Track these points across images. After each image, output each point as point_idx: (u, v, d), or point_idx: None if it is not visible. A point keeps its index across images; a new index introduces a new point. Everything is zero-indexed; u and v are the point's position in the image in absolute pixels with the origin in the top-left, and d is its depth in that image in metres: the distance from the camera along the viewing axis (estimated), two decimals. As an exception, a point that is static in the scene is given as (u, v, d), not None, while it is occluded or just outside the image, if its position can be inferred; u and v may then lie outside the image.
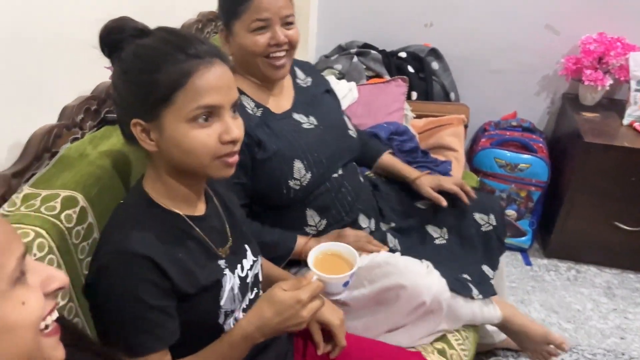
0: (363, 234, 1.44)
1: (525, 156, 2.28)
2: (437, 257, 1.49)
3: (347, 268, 0.99)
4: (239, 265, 1.02)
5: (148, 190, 0.93)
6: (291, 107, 1.42)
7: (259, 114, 1.35)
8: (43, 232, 0.87)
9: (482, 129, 2.55)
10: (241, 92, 1.34)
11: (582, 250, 2.32)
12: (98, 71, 1.21)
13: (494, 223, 1.58)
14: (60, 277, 0.62)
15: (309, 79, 1.52)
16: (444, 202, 1.51)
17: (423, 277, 1.33)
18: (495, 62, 2.48)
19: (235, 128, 0.88)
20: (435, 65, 2.36)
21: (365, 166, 1.67)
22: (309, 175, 1.35)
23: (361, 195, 1.50)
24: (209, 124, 0.86)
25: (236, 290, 0.99)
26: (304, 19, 2.33)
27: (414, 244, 1.57)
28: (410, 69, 2.29)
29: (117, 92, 0.89)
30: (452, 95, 2.39)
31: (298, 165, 1.34)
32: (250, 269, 1.05)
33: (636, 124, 2.17)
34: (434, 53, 2.37)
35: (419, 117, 2.11)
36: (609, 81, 2.22)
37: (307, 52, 2.44)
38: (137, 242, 0.85)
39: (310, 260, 0.99)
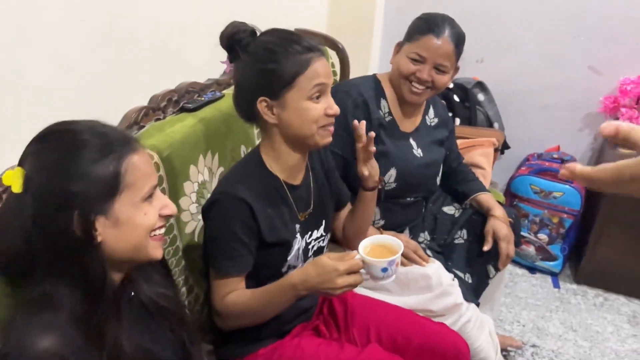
0: (413, 243, 1.67)
1: (560, 185, 2.44)
2: (453, 254, 1.76)
3: (390, 257, 1.10)
4: (309, 232, 1.31)
5: (263, 155, 1.25)
6: (411, 132, 1.72)
7: (387, 119, 1.67)
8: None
9: (525, 159, 2.73)
10: (383, 95, 1.67)
11: (612, 279, 2.42)
12: (181, 73, 1.60)
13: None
14: (172, 207, 0.94)
15: (436, 120, 1.80)
16: (486, 248, 1.67)
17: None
18: (541, 98, 2.67)
19: (335, 105, 1.20)
20: (480, 96, 2.59)
21: (459, 197, 1.87)
22: (394, 185, 1.66)
23: (415, 221, 1.77)
24: (319, 101, 1.18)
25: (300, 252, 1.29)
26: (367, 44, 2.65)
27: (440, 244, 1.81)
28: (456, 98, 2.54)
29: (244, 78, 1.19)
30: (496, 125, 2.60)
31: (392, 172, 1.65)
32: (317, 240, 1.34)
33: (668, 162, 2.28)
34: (480, 85, 2.61)
35: (457, 138, 2.35)
36: (644, 120, 2.35)
37: (369, 72, 2.76)
38: (242, 190, 1.18)
39: (362, 244, 1.13)
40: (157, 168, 1.30)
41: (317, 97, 1.17)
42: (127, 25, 1.39)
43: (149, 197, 0.89)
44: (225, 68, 1.31)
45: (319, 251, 1.36)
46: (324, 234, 1.36)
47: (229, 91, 1.72)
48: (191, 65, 1.69)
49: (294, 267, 1.28)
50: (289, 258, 1.26)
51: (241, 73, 1.21)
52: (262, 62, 1.15)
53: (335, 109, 1.20)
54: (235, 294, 1.19)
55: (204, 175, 1.48)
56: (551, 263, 2.51)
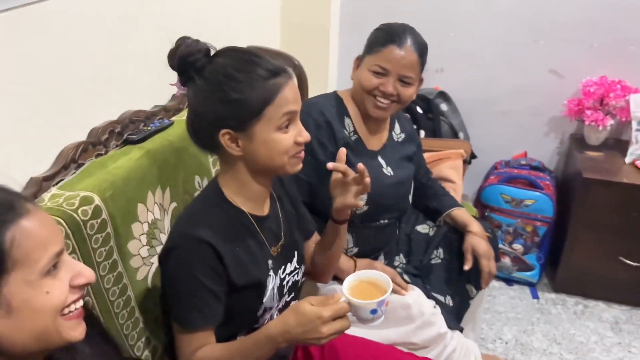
0: (390, 271, 1.57)
1: (531, 192, 2.38)
2: (430, 275, 1.66)
3: (380, 296, 1.00)
4: (282, 267, 1.18)
5: (223, 188, 1.12)
6: (379, 150, 1.61)
7: (353, 137, 1.55)
8: (62, 221, 1.07)
9: (493, 167, 2.66)
10: (347, 114, 1.55)
11: (589, 286, 2.37)
12: (124, 101, 1.46)
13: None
14: (87, 275, 0.75)
15: (403, 135, 1.69)
16: (467, 267, 1.58)
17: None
18: (504, 105, 2.62)
19: (305, 131, 1.10)
20: (444, 106, 2.52)
21: (431, 214, 1.77)
22: (365, 208, 1.53)
23: (389, 245, 1.67)
24: (288, 130, 1.07)
25: (275, 291, 1.16)
26: (324, 60, 2.56)
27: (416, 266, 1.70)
28: (419, 109, 2.46)
29: (201, 106, 1.06)
30: (461, 135, 2.53)
31: (363, 195, 1.47)
32: (291, 274, 1.21)
33: (638, 162, 2.25)
34: (443, 95, 2.53)
35: (423, 151, 2.26)
36: (609, 122, 2.31)
37: (327, 90, 2.66)
38: (204, 230, 1.04)
39: (346, 283, 1.04)
40: (99, 211, 1.16)
41: (287, 126, 1.06)
42: (56, 53, 1.24)
43: (53, 268, 0.71)
44: (176, 92, 1.17)
45: (294, 286, 1.23)
46: (297, 266, 1.23)
47: (178, 118, 1.59)
48: (133, 92, 1.54)
49: (270, 308, 1.15)
50: (264, 300, 1.13)
51: (198, 101, 1.07)
52: (223, 90, 1.02)
53: (306, 136, 1.09)
54: (206, 349, 1.06)
55: (154, 213, 1.34)
56: (528, 273, 2.44)
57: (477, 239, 1.60)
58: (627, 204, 2.16)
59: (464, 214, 1.69)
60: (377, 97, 1.49)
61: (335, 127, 1.50)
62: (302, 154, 1.11)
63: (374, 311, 1.00)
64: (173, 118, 1.58)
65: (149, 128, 1.46)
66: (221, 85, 1.02)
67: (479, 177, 2.69)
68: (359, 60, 1.54)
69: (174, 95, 1.71)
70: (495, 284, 2.46)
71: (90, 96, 1.38)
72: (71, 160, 1.26)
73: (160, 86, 1.67)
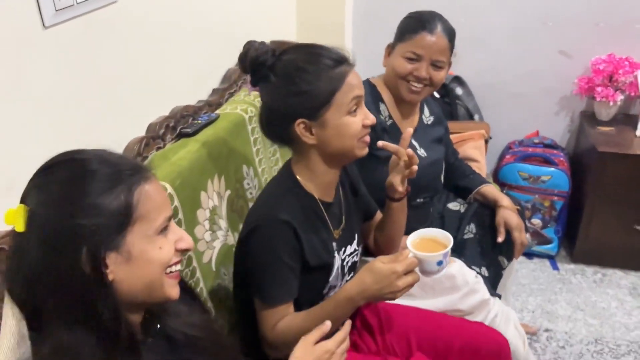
0: None
1: (547, 169, 2.48)
2: (465, 250, 1.74)
3: (442, 249, 1.09)
4: (343, 248, 1.27)
5: (296, 174, 1.20)
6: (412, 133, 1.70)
7: (388, 122, 1.64)
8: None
9: (507, 147, 2.76)
10: (381, 99, 1.65)
11: (606, 255, 2.47)
12: (174, 98, 1.55)
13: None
14: (188, 240, 0.86)
15: (432, 118, 1.79)
16: (500, 239, 1.65)
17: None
18: (516, 87, 2.71)
19: (370, 114, 1.18)
20: (459, 90, 2.61)
21: (462, 192, 1.85)
22: None
23: (425, 223, 1.74)
24: (356, 113, 1.15)
25: (339, 271, 1.25)
26: (340, 44, 2.63)
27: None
28: (436, 94, 2.55)
29: (275, 101, 1.15)
30: (477, 117, 2.63)
31: None
32: (351, 255, 1.30)
33: (648, 134, 2.35)
34: (457, 80, 2.63)
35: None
36: (619, 97, 2.41)
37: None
38: (284, 211, 1.13)
39: (409, 240, 1.13)
40: (171, 199, 1.25)
41: (355, 110, 1.14)
42: (112, 61, 1.34)
43: (164, 229, 0.81)
44: (249, 91, 1.26)
45: (353, 266, 1.32)
46: (357, 248, 1.33)
47: (222, 111, 1.68)
48: (178, 89, 1.63)
49: (334, 287, 1.25)
50: (330, 279, 1.23)
51: (271, 96, 1.16)
52: (295, 83, 1.11)
53: (372, 119, 1.17)
54: (287, 320, 1.15)
55: (213, 200, 1.43)
56: (547, 246, 2.55)
57: (508, 213, 1.69)
58: (640, 175, 2.26)
59: (494, 190, 1.78)
60: (410, 82, 1.58)
61: (372, 113, 1.59)
62: (368, 138, 1.19)
63: (439, 262, 1.09)
64: (218, 111, 1.67)
65: (199, 121, 1.55)
66: (292, 79, 1.11)
67: (494, 157, 2.79)
68: (390, 48, 1.63)
69: (213, 89, 1.80)
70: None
71: (144, 94, 1.47)
72: (137, 154, 1.35)
73: (200, 82, 1.77)
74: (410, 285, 1.06)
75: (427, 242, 1.15)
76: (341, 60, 1.13)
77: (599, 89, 2.42)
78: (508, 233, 1.69)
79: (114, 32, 1.34)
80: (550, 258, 2.56)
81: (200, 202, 1.37)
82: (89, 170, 0.76)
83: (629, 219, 2.35)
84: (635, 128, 2.41)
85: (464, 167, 1.90)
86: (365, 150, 1.20)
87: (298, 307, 1.19)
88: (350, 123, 1.14)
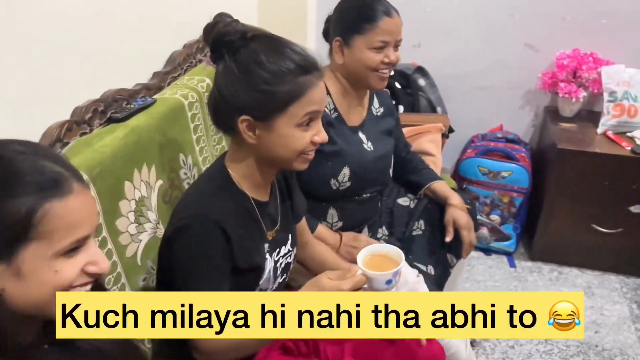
0: (374, 242, 1.61)
1: (507, 164, 2.44)
2: (412, 246, 1.69)
3: (393, 267, 1.05)
4: (277, 250, 1.20)
5: (230, 171, 1.12)
6: (359, 126, 1.63)
7: (333, 115, 1.57)
8: (52, 199, 1.08)
9: (470, 141, 2.72)
10: (327, 91, 1.55)
11: (564, 253, 2.45)
12: (106, 79, 1.46)
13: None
14: (101, 266, 0.77)
15: (381, 109, 1.72)
16: (448, 238, 1.62)
17: None
18: (481, 79, 2.66)
19: (324, 131, 1.10)
20: (421, 81, 2.55)
21: (412, 187, 1.80)
22: (348, 184, 1.57)
23: (372, 218, 1.71)
24: (308, 128, 1.06)
25: (271, 273, 1.17)
26: (302, 35, 2.56)
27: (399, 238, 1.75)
28: (398, 85, 2.49)
29: (228, 88, 1.04)
30: (439, 110, 2.57)
31: (345, 171, 1.55)
32: (284, 256, 1.23)
33: (609, 132, 2.32)
34: (421, 70, 2.56)
35: (402, 126, 2.29)
36: (582, 93, 2.38)
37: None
38: (215, 210, 1.05)
39: (359, 257, 1.08)
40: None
41: (307, 124, 1.06)
42: (43, 34, 1.24)
43: (72, 250, 0.73)
44: (205, 65, 1.16)
45: (287, 267, 1.26)
46: (290, 249, 1.26)
47: (160, 96, 1.59)
48: (115, 70, 1.54)
49: (265, 289, 1.18)
50: (261, 282, 1.16)
51: (225, 81, 1.06)
52: (252, 78, 1.02)
53: (323, 137, 1.09)
54: None
55: (141, 191, 1.35)
56: (505, 243, 2.52)
57: (457, 211, 1.64)
58: (599, 173, 2.23)
59: (444, 187, 1.73)
60: (380, 70, 1.52)
61: None
62: (312, 154, 1.11)
63: (389, 281, 1.05)
64: (155, 96, 1.58)
65: (132, 106, 1.46)
66: (251, 73, 1.02)
67: (457, 151, 2.75)
68: (341, 42, 1.54)
69: (154, 72, 1.71)
70: (473, 254, 2.53)
71: (73, 75, 1.37)
72: (56, 140, 1.26)
73: (142, 64, 1.68)
74: None
75: (378, 259, 1.10)
76: (308, 69, 1.04)
77: (562, 84, 2.39)
78: (457, 232, 1.65)
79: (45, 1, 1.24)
80: (508, 255, 2.53)
81: (124, 192, 1.28)
82: (4, 171, 0.70)
83: (587, 217, 2.33)
84: (597, 125, 2.38)
85: (416, 161, 1.85)
86: (305, 166, 1.13)
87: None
88: (297, 137, 1.05)
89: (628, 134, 2.31)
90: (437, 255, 1.70)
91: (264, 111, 1.04)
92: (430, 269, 1.66)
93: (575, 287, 2.33)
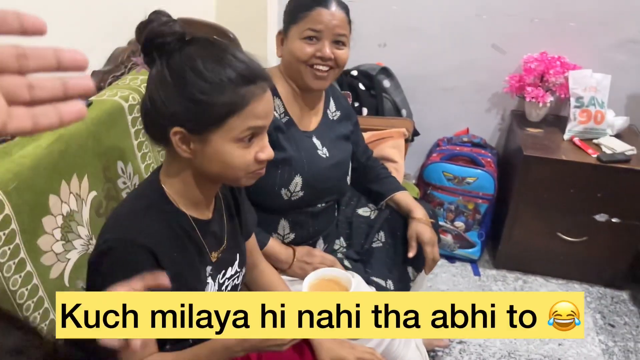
0: (330, 259, 1.52)
1: (472, 170, 2.36)
2: (371, 259, 1.62)
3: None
4: (222, 271, 1.09)
5: (164, 186, 1.00)
6: (313, 130, 1.52)
7: (284, 120, 1.45)
8: (-45, 219, 0.95)
9: (436, 144, 2.64)
10: (276, 94, 1.44)
11: (528, 261, 2.40)
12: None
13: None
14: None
15: (338, 113, 1.60)
16: (411, 254, 1.55)
17: None
18: (447, 81, 2.59)
19: (269, 148, 0.97)
20: (386, 83, 2.46)
21: (373, 197, 1.72)
22: (301, 194, 1.45)
23: (328, 229, 1.60)
24: (250, 144, 0.94)
25: None
26: (262, 32, 2.44)
27: (357, 250, 1.66)
28: (362, 86, 2.39)
29: (159, 97, 0.92)
30: (404, 112, 2.48)
31: (297, 180, 1.44)
32: (231, 278, 1.12)
33: (575, 139, 2.27)
34: (385, 71, 2.47)
35: (364, 130, 2.20)
36: (549, 98, 2.32)
37: (266, 65, 2.54)
38: (141, 233, 0.93)
39: (306, 282, 1.02)
40: (1, 207, 1.03)
41: (249, 140, 0.94)
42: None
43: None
44: (138, 68, 1.03)
45: (234, 290, 1.15)
46: (238, 269, 1.15)
47: (97, 98, 1.46)
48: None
49: None
50: None
51: (156, 88, 0.93)
52: (186, 87, 0.90)
53: (269, 154, 0.97)
54: (152, 359, 0.96)
55: (69, 205, 1.22)
56: (469, 250, 2.45)
57: (421, 226, 1.56)
58: (565, 180, 2.17)
59: (408, 198, 1.64)
60: (314, 65, 1.40)
61: None
62: (263, 171, 1.00)
63: None
64: (92, 98, 1.45)
65: (63, 110, 1.33)
66: (186, 80, 0.90)
67: (422, 154, 2.67)
68: (282, 35, 1.45)
69: (93, 71, 1.57)
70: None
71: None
72: (-31, 149, 1.12)
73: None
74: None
75: (327, 284, 1.04)
76: (252, 79, 0.92)
77: (529, 89, 2.32)
78: (420, 246, 1.57)
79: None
80: (473, 262, 2.47)
81: (48, 207, 1.15)
82: None
83: (552, 225, 2.28)
84: (563, 131, 2.32)
85: (377, 168, 1.75)
86: (253, 181, 1.02)
87: (163, 340, 1.01)
88: (236, 154, 0.94)
89: (594, 141, 2.26)
90: (397, 269, 1.62)
91: (199, 123, 0.92)
92: (390, 284, 1.57)
93: (540, 297, 2.28)
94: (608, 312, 2.21)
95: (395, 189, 1.68)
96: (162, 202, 1.00)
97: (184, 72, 0.91)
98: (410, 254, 1.54)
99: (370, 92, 2.42)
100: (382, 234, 1.65)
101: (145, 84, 1.56)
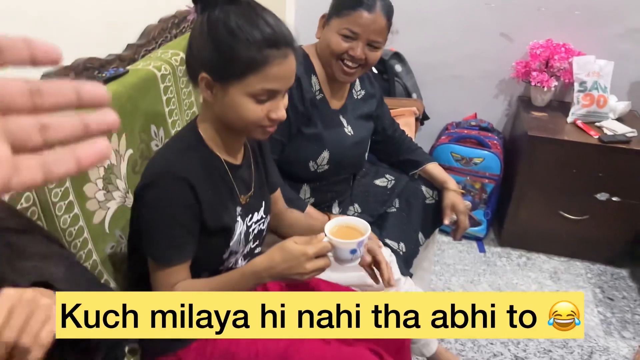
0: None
1: (479, 151, 2.47)
2: (385, 223, 1.73)
3: (358, 238, 1.08)
4: (250, 215, 1.21)
5: (200, 130, 1.12)
6: (340, 109, 1.63)
7: (319, 97, 1.56)
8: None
9: (444, 128, 2.75)
10: (313, 72, 1.55)
11: (532, 239, 2.50)
12: (77, 48, 1.45)
13: (437, 198, 1.77)
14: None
15: (362, 92, 1.72)
16: (447, 221, 1.68)
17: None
18: (456, 68, 2.69)
19: (283, 110, 1.08)
20: (398, 67, 2.57)
21: (405, 166, 1.83)
22: (326, 167, 1.58)
23: (343, 196, 1.73)
24: (264, 102, 1.04)
25: (242, 236, 1.18)
26: (281, 8, 2.55)
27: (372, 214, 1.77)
28: (374, 69, 2.51)
29: (197, 45, 1.04)
30: (415, 96, 2.60)
31: (325, 154, 1.56)
32: (257, 222, 1.24)
33: (578, 121, 2.37)
34: (397, 56, 2.59)
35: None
36: (554, 83, 2.42)
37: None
38: (181, 167, 1.05)
39: (327, 227, 1.09)
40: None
41: (264, 100, 1.04)
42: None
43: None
44: (190, 15, 1.16)
45: (259, 234, 1.27)
46: (264, 216, 1.26)
47: (133, 67, 1.58)
48: (88, 40, 1.53)
49: (235, 252, 1.18)
50: (231, 244, 1.16)
51: (195, 35, 1.06)
52: (218, 39, 1.01)
53: (280, 115, 1.07)
54: (185, 284, 1.08)
55: (110, 159, 1.35)
56: (476, 228, 2.56)
57: (456, 196, 1.68)
58: (568, 161, 2.28)
59: (440, 170, 1.76)
60: (344, 60, 1.50)
61: (304, 85, 1.51)
62: (273, 128, 1.10)
63: (353, 251, 1.06)
64: (128, 67, 1.58)
65: (104, 75, 1.46)
66: (217, 33, 1.01)
67: (432, 138, 2.78)
68: (325, 20, 1.54)
69: (128, 44, 1.70)
70: (444, 238, 2.57)
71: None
72: (24, 104, 1.25)
73: (114, 36, 1.67)
74: (320, 270, 1.02)
75: (346, 230, 1.12)
76: (276, 44, 1.01)
77: (534, 73, 2.43)
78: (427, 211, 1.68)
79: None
80: (478, 240, 2.58)
81: (92, 158, 1.28)
82: None
83: (555, 204, 2.38)
84: (567, 115, 2.43)
85: (407, 141, 1.87)
86: (265, 137, 1.13)
87: (197, 271, 1.13)
88: (249, 108, 1.04)
89: (596, 124, 2.36)
90: (408, 233, 1.73)
91: (222, 73, 1.03)
92: (402, 247, 1.69)
93: (542, 272, 2.39)
94: (607, 287, 2.31)
95: (427, 159, 1.79)
96: (199, 145, 1.12)
97: (217, 25, 1.02)
98: (446, 222, 1.67)
99: (383, 76, 2.53)
100: (397, 201, 1.76)
101: (177, 56, 1.70)
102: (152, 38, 1.76)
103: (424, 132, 2.73)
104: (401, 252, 1.68)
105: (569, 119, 2.40)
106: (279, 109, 1.07)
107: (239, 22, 1.02)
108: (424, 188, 1.77)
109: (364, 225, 1.12)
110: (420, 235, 1.76)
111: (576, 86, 2.38)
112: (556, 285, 2.31)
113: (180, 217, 1.06)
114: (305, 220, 1.44)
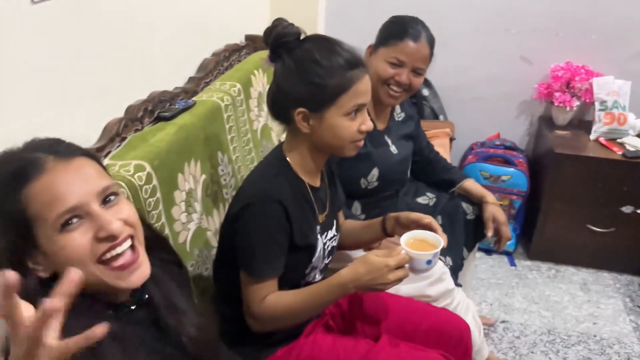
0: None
1: (507, 169, 2.59)
2: None
3: (432, 250, 1.18)
4: (325, 232, 1.33)
5: (288, 158, 1.25)
6: (384, 130, 1.77)
7: None
8: (124, 185, 1.19)
9: (470, 148, 2.87)
10: None
11: (560, 252, 2.60)
12: (151, 83, 1.57)
13: (477, 213, 1.88)
14: (108, 229, 0.76)
15: (402, 115, 1.86)
16: (489, 234, 1.77)
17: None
18: (479, 90, 2.82)
19: (369, 121, 1.22)
20: (425, 91, 2.71)
21: (444, 185, 1.93)
22: (375, 183, 1.71)
23: (388, 211, 1.81)
24: (355, 117, 1.19)
25: (321, 253, 1.30)
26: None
27: None
28: (404, 94, 2.64)
29: (286, 83, 1.18)
30: (441, 117, 2.72)
31: (374, 172, 1.70)
32: (331, 239, 1.36)
33: (601, 139, 2.49)
34: (425, 81, 2.72)
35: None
36: (575, 103, 2.55)
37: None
38: (277, 191, 1.18)
39: (403, 239, 1.21)
40: (150, 178, 1.28)
41: (354, 114, 1.19)
42: (92, 39, 1.36)
43: (69, 223, 0.75)
44: (264, 65, 1.31)
45: (332, 251, 1.38)
46: (335, 234, 1.38)
47: (198, 98, 1.71)
48: (157, 74, 1.66)
49: (315, 267, 1.30)
50: (313, 260, 1.27)
51: (283, 77, 1.20)
52: (307, 74, 1.15)
53: (369, 126, 1.21)
54: (275, 296, 1.19)
55: (189, 183, 1.46)
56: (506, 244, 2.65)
57: (496, 209, 1.79)
58: (594, 176, 2.39)
59: (477, 186, 1.87)
60: (390, 85, 1.64)
61: None
62: (362, 142, 1.24)
63: (429, 262, 1.18)
64: (194, 98, 1.70)
65: (177, 107, 1.58)
66: (306, 68, 1.15)
67: (457, 158, 2.90)
68: (372, 49, 1.68)
69: (190, 77, 1.83)
70: (476, 254, 2.66)
71: (124, 77, 1.49)
72: (116, 134, 1.37)
73: (177, 70, 1.80)
74: (400, 280, 1.13)
75: (419, 243, 1.24)
76: (356, 64, 1.17)
77: (557, 94, 2.56)
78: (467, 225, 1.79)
79: (100, 14, 1.36)
80: (508, 255, 2.68)
81: (177, 183, 1.40)
82: None
83: (582, 218, 2.49)
84: (588, 132, 2.55)
85: (443, 161, 1.99)
86: (355, 152, 1.26)
87: (280, 285, 1.23)
88: (345, 126, 1.18)
89: (618, 140, 2.48)
90: (453, 248, 1.83)
91: (317, 103, 1.17)
92: (449, 261, 1.79)
93: (573, 284, 2.48)
94: (636, 297, 2.41)
95: (462, 177, 1.91)
96: (286, 170, 1.24)
97: (304, 63, 1.17)
98: (489, 234, 1.76)
99: (411, 99, 2.66)
100: (439, 217, 1.87)
101: (234, 87, 1.82)
102: (209, 71, 1.90)
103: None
104: (449, 266, 1.79)
105: (592, 137, 2.52)
106: (367, 120, 1.22)
107: (322, 53, 1.16)
108: (464, 204, 1.88)
109: (434, 238, 1.24)
110: (464, 250, 1.86)
111: (597, 105, 2.51)
112: (587, 295, 2.40)
113: (275, 235, 1.17)
114: (360, 224, 1.54)
